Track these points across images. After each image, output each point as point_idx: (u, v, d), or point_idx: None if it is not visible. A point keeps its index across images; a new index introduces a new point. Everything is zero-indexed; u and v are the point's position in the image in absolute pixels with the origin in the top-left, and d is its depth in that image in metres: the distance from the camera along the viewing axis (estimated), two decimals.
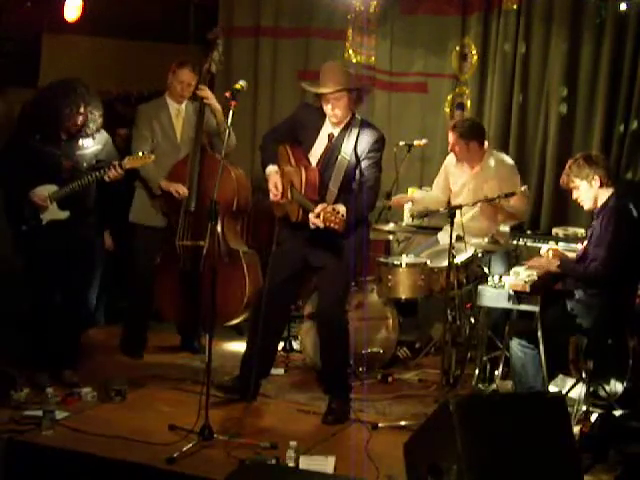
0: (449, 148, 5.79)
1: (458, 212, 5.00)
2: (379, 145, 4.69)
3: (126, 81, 6.85)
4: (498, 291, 4.77)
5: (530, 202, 6.31)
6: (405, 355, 5.81)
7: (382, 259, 5.49)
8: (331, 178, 4.64)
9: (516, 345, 4.67)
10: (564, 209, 6.31)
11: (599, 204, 4.67)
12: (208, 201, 4.55)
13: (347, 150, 4.64)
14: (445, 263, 5.03)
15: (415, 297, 5.40)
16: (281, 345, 5.77)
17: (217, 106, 5.56)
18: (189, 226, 5.45)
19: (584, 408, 4.52)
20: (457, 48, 6.69)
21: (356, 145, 4.65)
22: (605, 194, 4.65)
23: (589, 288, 4.63)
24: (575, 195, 4.75)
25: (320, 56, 7.00)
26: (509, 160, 5.83)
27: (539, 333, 4.59)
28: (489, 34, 6.58)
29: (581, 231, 5.82)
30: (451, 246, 4.88)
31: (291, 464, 4.01)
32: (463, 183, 5.77)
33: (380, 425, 4.63)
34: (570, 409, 4.21)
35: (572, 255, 4.96)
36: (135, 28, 6.85)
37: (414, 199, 5.97)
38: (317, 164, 4.70)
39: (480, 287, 4.88)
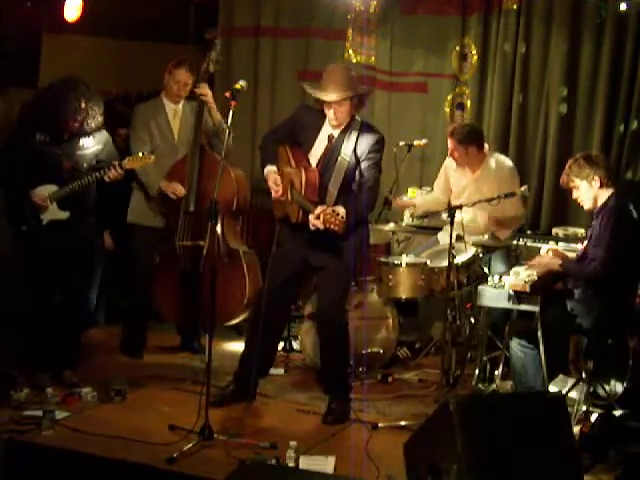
0: (448, 153, 5.79)
1: (458, 212, 5.00)
2: (379, 146, 4.69)
3: (126, 81, 6.86)
4: (498, 291, 4.77)
5: (529, 203, 6.32)
6: (405, 355, 5.81)
7: (382, 259, 5.49)
8: (331, 179, 4.64)
9: (516, 345, 4.67)
10: (564, 209, 6.31)
11: (599, 204, 4.67)
12: (207, 201, 4.55)
13: (347, 151, 4.64)
14: (445, 263, 5.03)
15: (415, 297, 5.40)
16: (281, 345, 5.77)
17: (213, 105, 5.56)
18: (189, 226, 5.45)
19: (584, 408, 4.52)
20: (457, 48, 6.69)
21: (356, 146, 4.65)
22: (605, 194, 4.65)
23: (589, 288, 4.63)
24: (575, 195, 4.76)
25: (320, 56, 7.01)
26: (509, 162, 5.84)
27: (539, 333, 4.59)
28: (489, 34, 6.58)
29: (581, 231, 5.82)
30: (451, 246, 4.89)
31: (291, 464, 4.01)
32: (463, 186, 5.77)
33: (380, 425, 4.63)
34: (570, 409, 4.21)
35: (572, 255, 4.96)
36: (135, 28, 6.85)
37: (416, 204, 5.97)
38: (317, 165, 4.69)
39: (480, 287, 4.88)
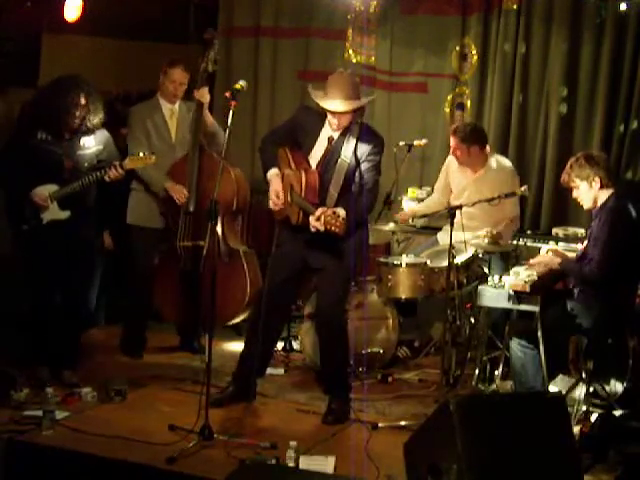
0: (450, 152, 5.80)
1: (458, 212, 5.00)
2: (379, 148, 4.69)
3: (126, 81, 6.86)
4: (498, 291, 4.77)
5: (529, 203, 6.33)
6: (405, 354, 5.81)
7: (382, 259, 5.49)
8: (331, 181, 4.64)
9: (516, 345, 4.67)
10: (564, 209, 6.31)
11: (599, 204, 4.67)
12: (207, 201, 4.55)
13: (347, 153, 4.64)
14: (445, 263, 5.03)
15: (415, 297, 5.40)
16: (281, 345, 5.79)
17: (206, 110, 5.56)
18: (189, 227, 5.45)
19: (584, 408, 4.52)
20: (457, 48, 6.69)
21: (356, 148, 4.64)
22: (605, 194, 4.65)
23: (587, 288, 4.63)
24: (575, 194, 4.76)
25: (320, 56, 7.02)
26: (509, 163, 5.85)
27: (539, 333, 4.59)
28: (489, 34, 6.58)
29: (581, 231, 5.82)
30: (451, 246, 4.89)
31: (291, 464, 4.01)
32: (464, 186, 5.77)
33: (380, 425, 4.63)
34: (570, 409, 4.21)
35: (572, 255, 4.96)
36: (135, 28, 6.85)
37: (415, 213, 5.96)
38: (317, 167, 4.69)
39: (480, 287, 4.88)
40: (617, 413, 4.55)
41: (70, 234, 4.99)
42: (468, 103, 6.70)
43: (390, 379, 5.43)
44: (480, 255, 5.38)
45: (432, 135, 6.62)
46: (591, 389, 4.60)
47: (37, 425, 4.36)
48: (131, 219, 5.68)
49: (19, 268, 5.15)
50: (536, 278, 4.76)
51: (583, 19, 6.23)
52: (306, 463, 4.02)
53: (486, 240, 5.26)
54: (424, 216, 5.88)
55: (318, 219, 4.40)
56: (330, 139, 4.69)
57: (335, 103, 4.53)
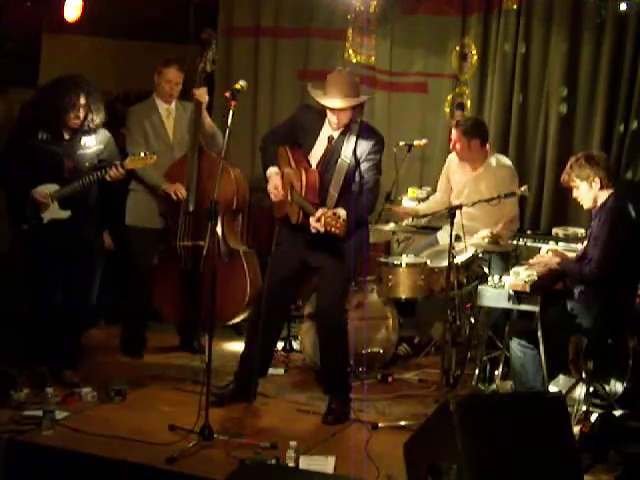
0: (451, 145, 5.80)
1: (458, 212, 5.00)
2: (379, 147, 4.69)
3: (126, 81, 6.86)
4: (498, 291, 4.77)
5: (529, 203, 6.33)
6: (405, 351, 5.82)
7: (382, 259, 5.49)
8: (331, 181, 4.64)
9: (516, 345, 4.67)
10: (564, 209, 6.32)
11: (598, 204, 4.67)
12: (207, 201, 4.54)
13: (347, 153, 4.64)
14: (445, 263, 5.03)
15: (415, 297, 5.40)
16: (281, 345, 5.78)
17: (205, 111, 5.57)
18: (188, 227, 5.45)
19: (584, 408, 4.52)
20: (457, 48, 6.69)
21: (356, 147, 4.64)
22: (605, 195, 4.65)
23: (587, 288, 4.63)
24: (575, 194, 4.76)
25: (320, 56, 7.01)
26: (509, 162, 5.86)
27: (539, 333, 4.59)
28: (489, 34, 6.57)
29: (581, 231, 5.82)
30: (451, 246, 4.89)
31: (291, 464, 4.01)
32: (463, 184, 5.78)
33: (380, 425, 4.63)
34: (570, 409, 4.21)
35: (572, 255, 4.96)
36: (135, 28, 6.85)
37: (417, 213, 5.97)
38: (317, 166, 4.69)
39: (480, 287, 4.88)
40: (617, 413, 4.56)
41: (70, 234, 4.99)
42: (468, 103, 6.70)
43: (390, 379, 5.43)
44: (480, 255, 5.38)
45: (432, 135, 6.62)
46: (591, 389, 4.60)
47: (37, 425, 4.36)
48: (130, 220, 5.68)
49: (19, 268, 5.15)
50: (536, 278, 4.76)
51: (583, 19, 6.23)
52: (306, 463, 4.02)
53: (486, 240, 5.26)
54: (425, 216, 5.88)
55: (318, 220, 4.40)
56: (330, 138, 4.69)
57: (334, 101, 4.54)
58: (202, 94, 5.50)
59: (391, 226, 5.75)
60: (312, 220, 4.44)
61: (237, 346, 5.75)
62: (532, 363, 4.61)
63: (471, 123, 5.70)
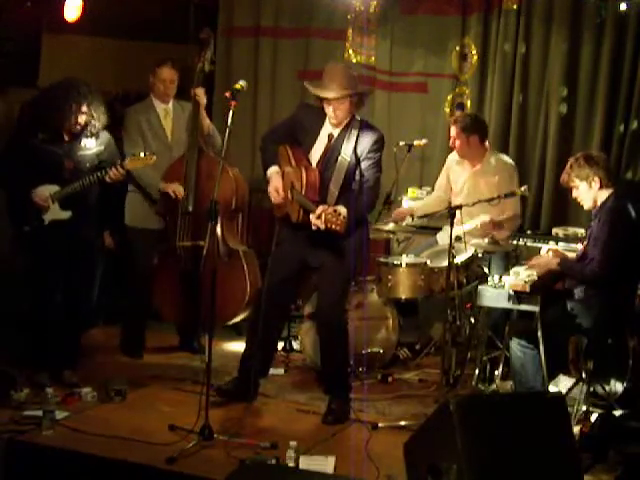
0: (450, 142, 5.80)
1: (458, 212, 5.00)
2: (379, 145, 4.69)
3: (126, 81, 6.85)
4: (498, 291, 4.77)
5: (529, 203, 6.32)
6: (405, 356, 5.81)
7: (382, 259, 5.49)
8: (331, 179, 4.64)
9: (516, 345, 4.67)
10: (564, 209, 6.31)
11: (598, 204, 4.67)
12: (206, 201, 4.54)
13: (347, 151, 4.64)
14: (445, 263, 5.03)
15: (415, 297, 5.40)
16: (281, 345, 5.78)
17: (204, 111, 5.56)
18: (188, 227, 5.45)
19: (584, 408, 4.52)
20: (457, 48, 6.68)
21: (356, 146, 4.65)
22: (604, 194, 4.65)
23: (588, 288, 4.63)
24: (575, 194, 4.76)
25: (320, 56, 7.01)
26: (509, 160, 5.85)
27: (539, 333, 4.59)
28: (489, 34, 6.57)
29: (581, 231, 5.82)
30: (451, 246, 4.89)
31: (291, 464, 4.01)
32: (463, 181, 5.78)
33: (380, 425, 4.63)
34: (570, 409, 4.21)
35: (572, 255, 4.96)
36: (135, 28, 6.85)
37: (413, 211, 5.97)
38: (317, 164, 4.70)
39: (480, 287, 4.88)
40: (617, 413, 4.55)
41: (71, 234, 4.99)
42: (468, 103, 6.70)
43: (390, 379, 5.43)
44: (480, 255, 5.38)
45: (432, 135, 6.62)
46: (591, 389, 4.60)
47: (37, 425, 4.36)
48: (129, 220, 5.68)
49: (19, 268, 5.15)
50: (536, 278, 4.76)
51: (583, 19, 6.23)
52: (306, 463, 4.02)
53: (486, 240, 5.26)
54: (424, 216, 5.87)
55: (319, 217, 4.40)
56: (330, 136, 4.69)
57: (327, 91, 4.55)
58: (201, 95, 5.49)
59: (391, 226, 5.75)
60: (312, 217, 4.45)
61: (237, 346, 5.75)
62: (532, 363, 4.61)
63: (470, 119, 5.70)
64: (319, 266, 4.75)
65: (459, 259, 5.20)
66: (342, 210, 4.42)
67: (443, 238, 5.77)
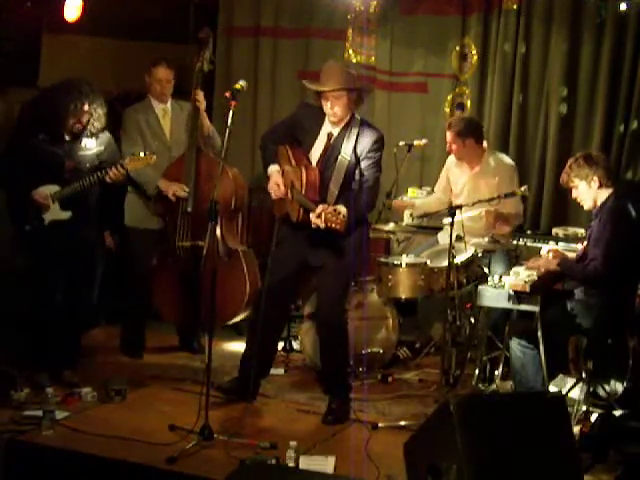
0: (447, 148, 5.80)
1: (458, 212, 5.01)
2: (379, 145, 4.69)
3: (126, 81, 6.84)
4: (498, 291, 4.77)
5: (529, 203, 6.32)
6: (405, 355, 5.81)
7: (382, 259, 5.49)
8: (331, 178, 4.64)
9: (516, 345, 4.67)
10: (564, 209, 6.32)
11: (598, 204, 4.67)
12: (205, 201, 4.53)
13: (347, 150, 4.64)
14: (445, 263, 5.03)
15: (415, 297, 5.41)
16: (281, 345, 5.78)
17: (204, 113, 5.56)
18: (187, 227, 5.45)
19: (584, 408, 4.52)
20: (457, 48, 6.69)
21: (356, 145, 4.65)
22: (604, 194, 4.65)
23: (589, 288, 4.63)
24: (574, 194, 4.76)
25: (320, 56, 7.00)
26: (508, 160, 5.85)
27: (539, 333, 4.59)
28: (489, 34, 6.58)
29: (581, 231, 5.82)
30: (451, 246, 4.89)
31: (291, 464, 4.02)
32: (463, 183, 5.78)
33: (380, 425, 4.63)
34: (570, 409, 4.21)
35: (572, 255, 4.96)
36: (135, 28, 6.84)
37: (414, 205, 5.97)
38: (317, 164, 4.70)
39: (480, 287, 4.88)
40: (617, 413, 4.56)
41: (72, 234, 4.99)
42: (468, 103, 6.70)
43: (390, 379, 5.43)
44: (480, 255, 5.38)
45: (432, 135, 6.62)
46: (591, 389, 4.60)
47: (37, 425, 4.36)
48: (128, 221, 5.68)
49: (19, 268, 5.15)
50: (536, 278, 4.76)
51: (583, 19, 6.23)
52: (306, 463, 4.02)
53: (486, 238, 5.26)
54: (424, 216, 5.87)
55: (319, 216, 4.41)
56: (330, 135, 4.69)
57: (324, 85, 4.56)
58: (200, 100, 5.49)
59: (391, 226, 5.75)
60: (313, 216, 4.45)
61: (237, 346, 5.75)
62: (532, 363, 4.61)
63: (463, 123, 5.69)
64: (319, 266, 4.75)
65: (459, 259, 5.20)
66: (342, 209, 4.43)
67: (444, 238, 5.77)
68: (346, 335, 4.84)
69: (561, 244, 5.68)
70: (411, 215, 5.94)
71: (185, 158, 5.49)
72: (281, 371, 5.51)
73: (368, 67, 6.98)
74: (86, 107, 4.92)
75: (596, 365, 4.54)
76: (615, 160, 6.10)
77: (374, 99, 6.87)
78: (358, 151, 4.65)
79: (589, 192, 4.67)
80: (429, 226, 6.17)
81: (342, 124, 4.69)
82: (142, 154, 5.04)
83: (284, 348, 5.83)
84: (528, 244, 5.98)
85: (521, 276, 4.80)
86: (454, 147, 5.70)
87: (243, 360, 4.94)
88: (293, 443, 4.07)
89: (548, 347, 4.59)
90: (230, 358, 5.49)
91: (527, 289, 4.67)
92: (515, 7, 6.42)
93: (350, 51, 7.05)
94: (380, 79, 6.97)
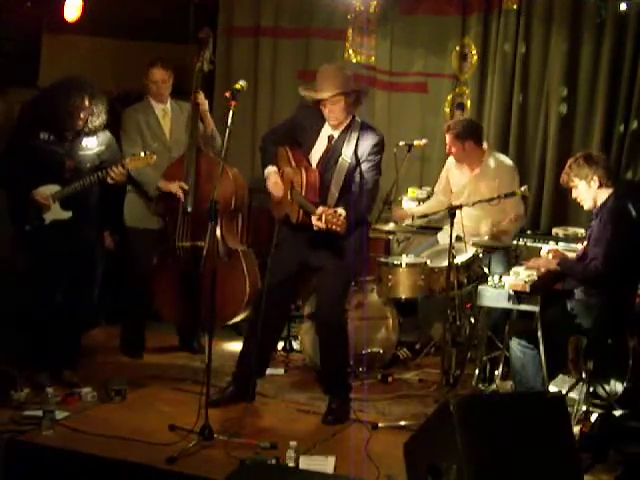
0: (446, 150, 5.80)
1: (458, 212, 5.01)
2: (379, 148, 4.69)
3: (126, 81, 6.84)
4: (498, 291, 4.77)
5: (529, 203, 6.32)
6: (405, 356, 5.81)
7: (382, 259, 5.49)
8: (332, 180, 4.64)
9: (516, 345, 4.67)
10: (564, 209, 6.31)
11: (598, 204, 4.67)
12: (205, 202, 4.53)
13: (347, 152, 4.64)
14: (445, 263, 5.04)
15: (415, 297, 5.41)
16: (281, 345, 5.78)
17: (208, 113, 5.57)
18: (187, 227, 5.45)
19: (584, 408, 4.52)
20: (457, 48, 6.68)
21: (356, 147, 4.65)
22: (604, 194, 4.65)
23: (589, 288, 4.63)
24: (574, 194, 4.76)
25: (320, 56, 7.00)
26: (508, 161, 5.85)
27: (539, 333, 4.59)
28: (489, 34, 6.57)
29: (581, 231, 5.82)
30: (451, 246, 4.89)
31: (291, 464, 4.02)
32: (463, 185, 5.78)
33: (380, 425, 4.63)
34: (570, 409, 4.21)
35: (572, 255, 4.96)
36: (135, 28, 6.84)
37: (414, 214, 5.97)
38: (317, 166, 4.70)
39: (480, 287, 4.88)
40: (617, 413, 4.56)
41: (72, 234, 4.99)
42: (468, 103, 6.70)
43: (390, 379, 5.43)
44: (480, 255, 5.38)
45: (432, 135, 6.61)
46: (591, 389, 4.60)
47: (37, 425, 4.36)
48: (128, 221, 5.68)
49: (19, 268, 5.14)
50: (536, 278, 4.76)
51: (583, 19, 6.23)
52: (306, 463, 4.02)
53: (486, 237, 5.26)
54: (424, 216, 5.88)
55: (319, 218, 4.41)
56: (330, 138, 4.69)
57: (319, 91, 4.56)
58: (202, 101, 5.49)
59: (391, 226, 5.75)
60: (313, 218, 4.46)
61: (237, 346, 5.71)
62: (532, 363, 4.61)
63: (462, 125, 5.68)
64: (319, 266, 4.75)
65: (459, 259, 5.20)
66: (342, 211, 4.44)
67: (444, 238, 5.77)
68: (346, 335, 4.84)
69: (561, 244, 5.69)
70: (412, 217, 5.95)
71: (185, 158, 5.49)
72: (281, 371, 5.51)
73: (368, 67, 6.98)
74: (86, 102, 4.91)
75: (596, 365, 4.54)
76: (615, 160, 6.10)
77: (374, 99, 6.88)
78: (359, 153, 4.65)
79: (589, 192, 4.67)
80: (429, 226, 6.17)
81: (342, 127, 4.69)
82: (142, 154, 5.04)
83: (284, 348, 5.83)
84: (528, 244, 5.98)
85: (521, 276, 4.80)
86: (454, 150, 5.70)
87: (240, 360, 4.94)
88: (293, 443, 4.07)
89: (548, 347, 4.59)
90: (230, 358, 5.48)
91: (527, 289, 4.67)
92: (515, 7, 6.42)
93: (350, 51, 7.05)
94: (380, 79, 6.97)
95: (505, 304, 4.79)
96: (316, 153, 4.72)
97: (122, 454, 4.13)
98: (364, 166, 4.65)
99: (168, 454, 4.07)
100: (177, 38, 7.07)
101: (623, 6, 6.02)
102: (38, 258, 4.99)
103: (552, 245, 5.65)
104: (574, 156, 4.78)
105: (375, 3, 6.91)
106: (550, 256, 4.94)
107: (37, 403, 4.66)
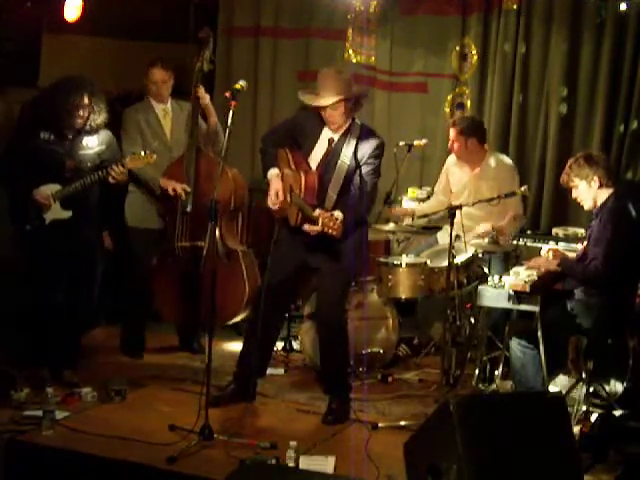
0: (449, 145, 5.80)
1: (458, 212, 5.01)
2: (379, 151, 4.69)
3: (126, 81, 6.84)
4: (498, 291, 4.77)
5: (529, 203, 6.32)
6: (404, 352, 5.81)
7: (382, 259, 5.49)
8: (330, 183, 4.64)
9: (516, 345, 4.67)
10: (564, 209, 6.31)
11: (598, 204, 4.67)
12: (205, 201, 4.53)
13: (347, 155, 4.64)
14: (445, 263, 5.03)
15: (415, 297, 5.41)
16: (281, 345, 5.79)
17: (211, 109, 5.56)
18: (186, 227, 5.45)
19: (584, 408, 4.52)
20: (457, 48, 6.69)
21: (356, 150, 4.65)
22: (604, 194, 4.65)
23: (589, 288, 4.63)
24: (574, 194, 4.76)
25: (320, 56, 7.01)
26: (509, 161, 5.85)
27: (539, 333, 4.59)
28: (489, 34, 6.58)
29: (581, 231, 5.82)
30: (451, 246, 4.89)
31: (291, 464, 4.02)
32: (463, 185, 5.78)
33: (380, 425, 4.63)
34: (570, 409, 4.21)
35: (572, 255, 4.96)
36: (135, 28, 6.84)
37: (414, 213, 5.97)
38: (317, 168, 4.69)
39: (480, 287, 4.88)
40: (617, 413, 4.56)
41: (72, 234, 4.99)
42: (468, 103, 6.70)
43: (390, 379, 5.43)
44: (480, 255, 5.38)
45: (432, 135, 6.62)
46: (591, 389, 4.60)
47: (37, 425, 4.36)
48: (129, 220, 5.68)
49: (19, 268, 5.14)
50: (536, 278, 4.76)
51: (583, 19, 6.23)
52: (306, 463, 4.02)
53: (486, 240, 5.26)
54: (424, 216, 5.88)
55: (315, 222, 4.43)
56: (330, 140, 4.69)
57: (318, 98, 4.55)
58: (202, 95, 5.48)
59: (391, 226, 5.75)
60: (306, 226, 4.49)
61: (237, 346, 5.72)
62: (532, 363, 4.61)
63: (468, 122, 5.70)
64: (319, 267, 4.76)
65: (459, 259, 5.20)
66: (339, 215, 4.45)
67: (443, 237, 5.77)
68: (346, 335, 4.84)
69: (561, 244, 5.68)
70: (412, 216, 5.95)
71: (185, 158, 5.49)
72: (281, 371, 5.51)
73: (368, 67, 6.98)
74: (86, 100, 4.91)
75: (596, 365, 4.54)
76: (615, 160, 6.10)
77: (374, 99, 6.87)
78: (358, 156, 4.65)
79: (589, 192, 4.67)
80: (429, 226, 6.16)
81: (342, 129, 4.69)
82: (142, 153, 5.04)
83: (284, 348, 5.83)
84: (528, 244, 5.97)
85: (521, 276, 4.80)
86: (456, 145, 5.70)
87: (240, 360, 4.94)
88: (293, 443, 4.07)
89: (548, 347, 4.58)
90: (230, 358, 5.48)
91: (527, 289, 4.67)
92: (515, 7, 6.42)
93: (350, 51, 7.05)
94: (380, 79, 6.97)
95: (505, 304, 4.79)
96: (316, 155, 4.71)
97: (122, 454, 4.13)
98: (364, 169, 4.65)
99: (168, 454, 4.07)
100: (177, 38, 7.07)
101: (623, 6, 6.02)
102: (38, 258, 4.99)
103: (552, 245, 5.64)
104: (574, 156, 4.78)
105: (375, 3, 6.92)
106: (550, 256, 4.94)
107: (37, 403, 4.66)
